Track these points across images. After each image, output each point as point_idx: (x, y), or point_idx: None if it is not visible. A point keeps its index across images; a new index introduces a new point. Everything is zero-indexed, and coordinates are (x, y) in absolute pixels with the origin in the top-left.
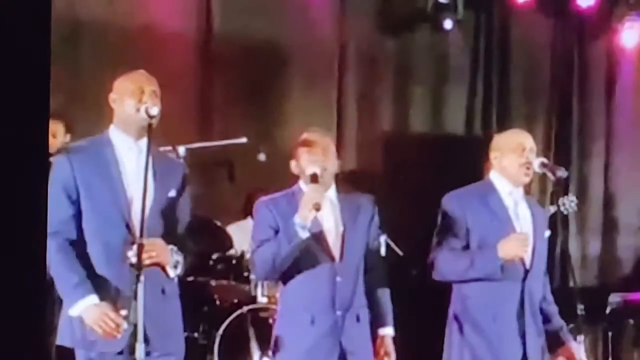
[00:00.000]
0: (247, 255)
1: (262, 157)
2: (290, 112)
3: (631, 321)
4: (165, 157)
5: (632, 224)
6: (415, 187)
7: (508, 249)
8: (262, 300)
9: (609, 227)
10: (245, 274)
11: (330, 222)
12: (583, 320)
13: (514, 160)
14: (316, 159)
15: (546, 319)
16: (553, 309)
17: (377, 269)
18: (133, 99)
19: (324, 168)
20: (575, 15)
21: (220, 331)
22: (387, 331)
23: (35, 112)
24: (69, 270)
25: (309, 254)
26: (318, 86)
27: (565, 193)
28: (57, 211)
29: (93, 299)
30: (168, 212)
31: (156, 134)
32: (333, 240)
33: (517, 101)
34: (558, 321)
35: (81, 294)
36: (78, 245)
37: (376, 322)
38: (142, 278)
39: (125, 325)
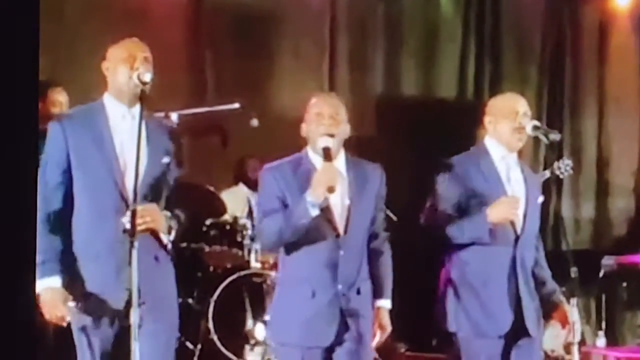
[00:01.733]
0: (240, 221)
1: (254, 122)
2: (282, 78)
3: (624, 284)
4: (158, 124)
5: (626, 186)
6: (407, 152)
7: (498, 212)
8: (255, 265)
9: (603, 189)
10: (239, 239)
11: (337, 194)
12: (576, 283)
13: (507, 125)
14: (326, 128)
15: (539, 283)
16: (546, 273)
17: (380, 239)
18: (125, 66)
19: (334, 135)
20: None
21: (215, 297)
22: (384, 303)
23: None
24: (41, 246)
25: (313, 228)
26: (309, 51)
27: (559, 156)
28: (47, 177)
29: (53, 280)
30: (161, 178)
31: (149, 100)
32: (339, 214)
33: (509, 64)
34: (551, 285)
35: (45, 273)
36: (59, 217)
37: (374, 293)
38: (136, 244)
39: (68, 318)
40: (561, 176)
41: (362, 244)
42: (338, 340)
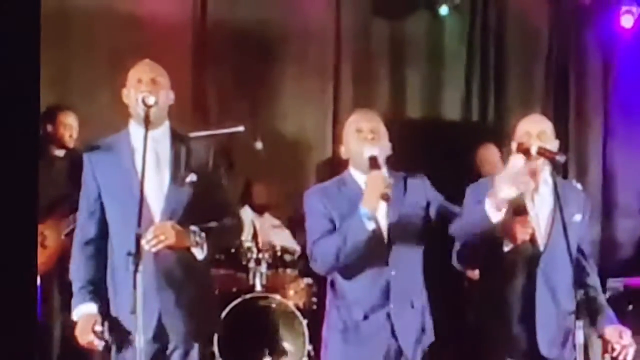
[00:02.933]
0: (245, 244)
1: (259, 145)
2: (287, 100)
3: (631, 306)
4: (189, 142)
5: (631, 207)
6: (411, 171)
7: (510, 232)
8: (260, 289)
9: (608, 210)
10: (244, 262)
11: (383, 211)
12: (582, 305)
13: (529, 148)
14: (369, 141)
15: (590, 303)
16: (594, 293)
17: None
18: (135, 90)
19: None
20: None
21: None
22: None
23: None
24: (77, 273)
25: (367, 248)
26: (314, 72)
27: (564, 177)
28: (80, 211)
29: (88, 307)
30: (187, 196)
31: (173, 120)
32: (384, 231)
33: (513, 86)
34: (600, 305)
35: (80, 300)
36: (95, 244)
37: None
38: (140, 267)
39: (96, 341)
40: None
41: (414, 257)
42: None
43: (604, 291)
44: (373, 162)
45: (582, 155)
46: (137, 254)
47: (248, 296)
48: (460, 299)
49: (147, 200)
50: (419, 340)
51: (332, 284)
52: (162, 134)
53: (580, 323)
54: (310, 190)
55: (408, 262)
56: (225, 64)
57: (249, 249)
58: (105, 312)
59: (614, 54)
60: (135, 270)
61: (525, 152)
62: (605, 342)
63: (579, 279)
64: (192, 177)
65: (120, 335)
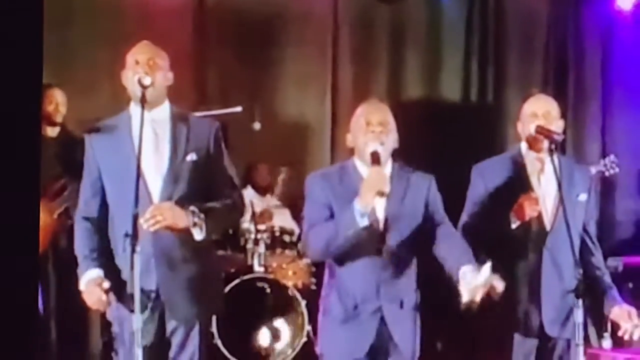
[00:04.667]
0: (243, 225)
1: (257, 125)
2: (285, 82)
3: (630, 285)
4: (190, 121)
5: (630, 187)
6: (411, 155)
7: (519, 211)
8: (258, 269)
9: (607, 190)
10: (242, 243)
11: (381, 207)
12: (581, 284)
13: (527, 128)
14: (376, 135)
15: (595, 283)
16: (600, 272)
17: (442, 225)
18: (132, 71)
19: (382, 143)
20: None
21: None
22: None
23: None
24: (81, 245)
25: (362, 240)
26: (312, 55)
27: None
28: (82, 191)
29: (94, 272)
30: (187, 175)
31: (172, 101)
32: (381, 224)
33: (512, 68)
34: (605, 285)
35: (85, 267)
36: (96, 223)
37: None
38: (137, 248)
39: (103, 297)
40: (607, 174)
41: (407, 257)
42: (374, 354)
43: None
44: (374, 158)
45: (580, 136)
46: (134, 235)
47: (247, 277)
48: None
49: (146, 180)
50: (410, 339)
51: (330, 267)
52: (161, 114)
53: (579, 302)
54: (312, 175)
55: (402, 259)
56: (224, 45)
57: (247, 229)
58: (114, 276)
59: (612, 35)
60: (133, 251)
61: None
62: (611, 322)
63: (585, 259)
64: (192, 157)
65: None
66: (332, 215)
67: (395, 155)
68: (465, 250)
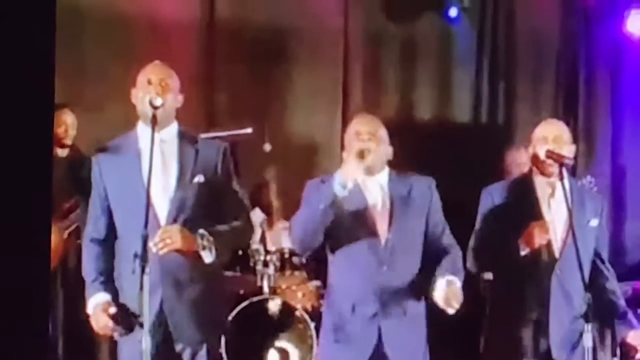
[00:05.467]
0: (253, 246)
1: (267, 147)
2: (296, 102)
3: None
4: (198, 143)
5: None
6: (420, 173)
7: (528, 238)
8: (267, 291)
9: (617, 213)
10: (252, 264)
11: (379, 205)
12: (591, 309)
13: (537, 152)
14: (363, 143)
15: (610, 307)
16: (615, 297)
17: (444, 246)
18: (144, 92)
19: (371, 150)
20: (581, 0)
21: (227, 323)
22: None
23: (40, 104)
24: (89, 267)
25: (353, 236)
26: (323, 75)
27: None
28: (90, 211)
29: (101, 296)
30: (195, 198)
31: (181, 122)
32: (380, 223)
33: (523, 88)
34: (620, 309)
35: (93, 291)
36: (103, 244)
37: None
38: (147, 270)
39: (111, 324)
40: None
41: (410, 261)
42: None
43: None
44: (359, 154)
45: (590, 158)
46: (144, 256)
47: (255, 299)
48: (475, 300)
49: (153, 202)
50: (409, 353)
51: (327, 280)
52: (169, 135)
53: (589, 326)
54: (311, 182)
55: (404, 264)
56: (234, 65)
57: (256, 251)
58: (118, 300)
59: (623, 56)
60: (142, 272)
61: (534, 157)
62: (622, 347)
63: (599, 284)
64: (199, 178)
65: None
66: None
67: (403, 171)
68: (448, 261)
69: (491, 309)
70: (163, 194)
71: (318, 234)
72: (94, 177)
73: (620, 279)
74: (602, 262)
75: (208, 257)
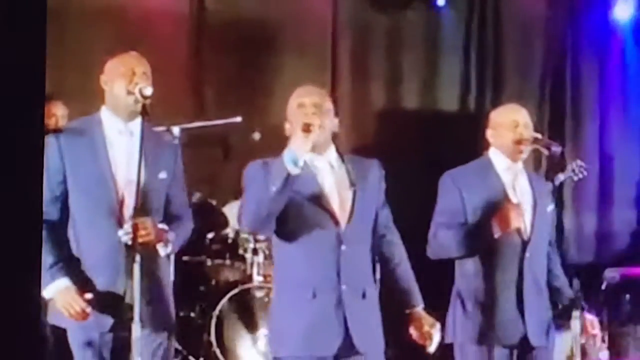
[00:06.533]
0: (242, 235)
1: (256, 136)
2: (284, 91)
3: (627, 296)
4: (157, 138)
5: (628, 198)
6: (409, 162)
7: (503, 219)
8: (258, 278)
9: (605, 201)
10: (241, 252)
11: (331, 183)
12: (579, 295)
13: (508, 137)
14: (308, 117)
15: (555, 293)
16: (562, 282)
17: (391, 242)
18: (123, 81)
19: (318, 124)
20: None
21: (217, 311)
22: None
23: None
24: (45, 251)
25: (309, 218)
26: (311, 64)
27: (561, 168)
28: (45, 190)
29: (63, 282)
30: (158, 193)
31: (151, 114)
32: (337, 205)
33: (510, 77)
34: (568, 295)
35: (53, 277)
36: (58, 227)
37: (404, 304)
38: (137, 258)
39: (89, 309)
40: (575, 178)
41: (366, 240)
42: (342, 351)
43: (602, 281)
44: (304, 127)
45: (578, 146)
46: (134, 244)
47: (246, 286)
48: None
49: (119, 191)
50: (374, 339)
51: (278, 267)
52: (136, 127)
53: (577, 313)
54: (252, 164)
55: (360, 242)
56: (223, 55)
57: (246, 239)
58: (88, 285)
59: (611, 44)
60: (133, 261)
61: (519, 142)
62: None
63: (549, 269)
64: (163, 174)
65: (106, 308)
66: None
67: (391, 160)
68: (414, 283)
69: (468, 295)
70: (128, 185)
71: (271, 219)
72: (50, 156)
73: (608, 265)
74: (552, 248)
75: (164, 250)
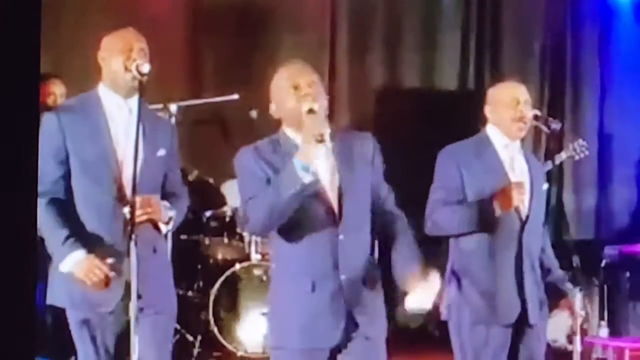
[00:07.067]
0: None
1: (253, 113)
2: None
3: (627, 274)
4: (154, 116)
5: (627, 175)
6: (408, 141)
7: (505, 198)
8: (256, 257)
9: (604, 179)
10: (239, 231)
11: (326, 171)
12: (578, 273)
13: (507, 114)
14: (311, 101)
15: (546, 272)
16: (553, 261)
17: (392, 217)
18: (121, 57)
19: (318, 104)
20: None
21: (215, 289)
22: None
23: (25, 70)
24: (57, 227)
25: (305, 209)
26: (309, 42)
27: (560, 145)
28: (46, 171)
29: (82, 253)
30: (157, 170)
31: (148, 91)
32: (330, 192)
33: (510, 53)
34: (558, 273)
35: (70, 249)
36: (67, 205)
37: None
38: (134, 236)
39: (112, 274)
40: (577, 157)
41: (364, 224)
42: (344, 340)
43: (602, 258)
44: (310, 112)
45: (578, 124)
46: (132, 222)
47: (245, 264)
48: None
49: (121, 169)
50: (379, 324)
51: (276, 259)
52: (135, 104)
53: (577, 291)
54: (242, 150)
55: (357, 228)
56: (221, 33)
57: None
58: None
59: (610, 22)
60: (130, 239)
61: (519, 119)
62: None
63: (542, 248)
64: (161, 152)
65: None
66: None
67: (390, 141)
68: (414, 252)
69: (467, 274)
70: (129, 162)
71: (283, 220)
72: (50, 133)
73: (608, 242)
74: (543, 226)
75: (166, 228)
